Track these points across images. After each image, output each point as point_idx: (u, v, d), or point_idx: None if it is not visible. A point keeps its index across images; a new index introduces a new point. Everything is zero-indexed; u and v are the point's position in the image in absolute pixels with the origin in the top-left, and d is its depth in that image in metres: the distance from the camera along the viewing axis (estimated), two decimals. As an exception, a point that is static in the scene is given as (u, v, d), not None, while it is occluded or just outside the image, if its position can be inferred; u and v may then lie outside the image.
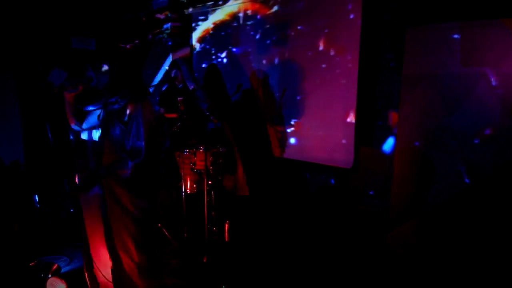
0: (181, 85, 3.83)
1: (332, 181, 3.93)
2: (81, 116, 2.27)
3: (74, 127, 2.29)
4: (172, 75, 3.84)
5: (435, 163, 2.99)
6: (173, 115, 3.73)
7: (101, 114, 2.17)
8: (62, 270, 2.99)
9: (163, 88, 4.24)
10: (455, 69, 2.86)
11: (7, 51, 4.31)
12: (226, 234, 3.51)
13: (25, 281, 2.87)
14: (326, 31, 3.73)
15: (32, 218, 3.91)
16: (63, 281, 2.67)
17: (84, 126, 2.29)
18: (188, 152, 3.44)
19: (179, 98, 3.47)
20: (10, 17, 4.49)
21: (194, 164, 3.40)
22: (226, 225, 3.50)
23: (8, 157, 4.31)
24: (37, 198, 3.98)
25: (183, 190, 3.54)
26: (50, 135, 4.16)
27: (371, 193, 3.59)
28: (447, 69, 2.92)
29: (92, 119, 2.26)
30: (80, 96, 2.19)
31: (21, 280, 2.88)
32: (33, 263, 2.93)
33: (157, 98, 4.16)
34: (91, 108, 2.19)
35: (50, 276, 2.79)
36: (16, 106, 4.36)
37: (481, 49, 2.78)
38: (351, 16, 3.51)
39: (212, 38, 4.90)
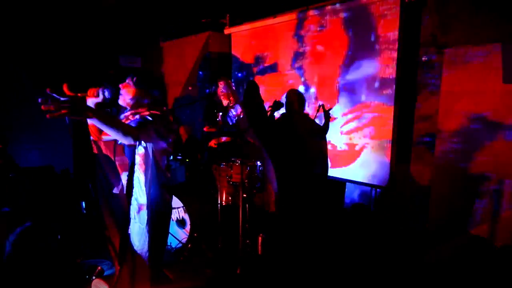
0: (219, 101, 3.99)
1: (369, 199, 3.88)
2: None
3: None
4: (212, 91, 4.02)
5: (474, 181, 2.90)
6: (212, 130, 3.88)
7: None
8: (105, 273, 3.16)
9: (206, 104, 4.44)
10: (496, 86, 2.80)
11: (57, 69, 4.77)
12: (259, 247, 3.55)
13: (71, 281, 3.07)
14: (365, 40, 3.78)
15: (78, 223, 4.16)
16: (106, 283, 2.82)
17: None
18: (224, 165, 3.55)
19: (218, 113, 3.62)
20: (64, 41, 4.94)
21: (230, 177, 3.51)
22: (260, 238, 3.55)
23: (59, 166, 4.66)
24: (83, 204, 4.25)
25: (219, 202, 3.65)
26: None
27: (408, 211, 3.51)
28: (487, 86, 2.86)
29: None
30: (99, 106, 2.30)
31: (68, 281, 3.08)
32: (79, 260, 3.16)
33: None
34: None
35: (94, 277, 2.97)
36: (66, 121, 4.74)
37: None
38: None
39: (251, 54, 5.07)
